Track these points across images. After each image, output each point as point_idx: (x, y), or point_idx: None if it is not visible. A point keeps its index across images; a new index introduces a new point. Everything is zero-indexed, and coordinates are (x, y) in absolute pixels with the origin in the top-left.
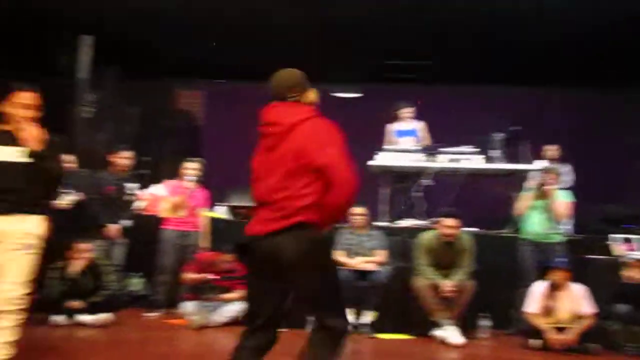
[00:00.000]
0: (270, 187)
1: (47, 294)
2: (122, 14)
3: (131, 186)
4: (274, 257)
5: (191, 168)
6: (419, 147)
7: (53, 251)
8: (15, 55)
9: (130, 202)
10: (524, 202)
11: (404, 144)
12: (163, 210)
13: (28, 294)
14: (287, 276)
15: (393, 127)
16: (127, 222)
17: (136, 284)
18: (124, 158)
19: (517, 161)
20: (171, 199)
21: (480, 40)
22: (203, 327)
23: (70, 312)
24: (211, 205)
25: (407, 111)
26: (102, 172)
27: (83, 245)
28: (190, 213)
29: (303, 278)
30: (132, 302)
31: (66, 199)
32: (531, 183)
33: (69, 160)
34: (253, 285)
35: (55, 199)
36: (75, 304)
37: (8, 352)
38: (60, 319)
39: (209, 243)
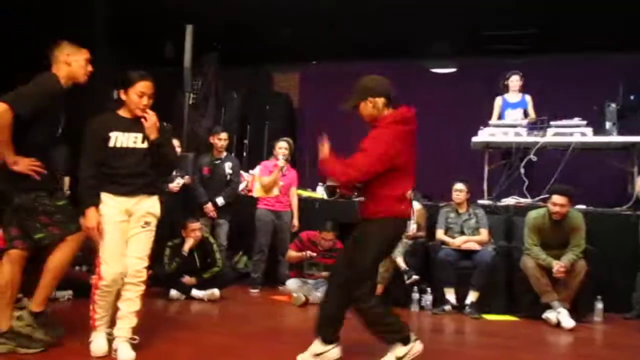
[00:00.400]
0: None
1: (164, 269)
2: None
3: (227, 166)
4: None
5: (281, 147)
6: (525, 122)
7: (168, 230)
8: (124, 46)
9: (227, 182)
10: None
11: (512, 117)
12: (256, 190)
13: (147, 268)
14: None
15: (502, 99)
16: (221, 201)
17: (241, 262)
18: (221, 139)
19: (634, 133)
20: (264, 178)
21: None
22: (306, 304)
23: (184, 287)
24: (310, 186)
25: (516, 80)
26: (203, 155)
27: (194, 224)
28: (283, 192)
29: None
30: (239, 280)
31: (176, 182)
32: None
33: (176, 145)
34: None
35: (168, 182)
36: (189, 279)
37: (133, 320)
38: (175, 293)
39: (300, 222)
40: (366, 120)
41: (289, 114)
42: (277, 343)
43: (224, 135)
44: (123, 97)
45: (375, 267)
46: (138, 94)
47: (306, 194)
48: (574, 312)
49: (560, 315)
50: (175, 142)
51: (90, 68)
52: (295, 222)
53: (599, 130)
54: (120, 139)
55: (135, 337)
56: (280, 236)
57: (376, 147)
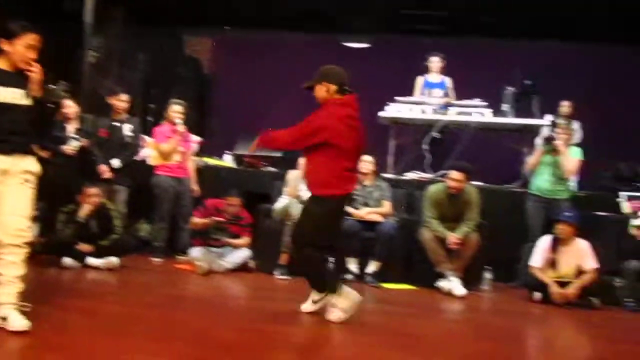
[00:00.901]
0: None
1: (58, 236)
2: None
3: (128, 128)
4: None
5: (176, 111)
6: (436, 101)
7: (63, 195)
8: None
9: (125, 145)
10: (535, 157)
11: (433, 97)
12: (153, 157)
13: (41, 235)
14: None
15: (423, 79)
16: (117, 163)
17: (143, 229)
18: (121, 101)
19: (528, 116)
20: (163, 145)
21: None
22: (210, 273)
23: (80, 255)
24: (217, 154)
25: (436, 61)
26: (102, 118)
27: (91, 190)
28: (182, 159)
29: None
30: (140, 248)
31: (72, 145)
32: (542, 139)
33: (73, 106)
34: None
35: (62, 144)
36: (85, 247)
37: (19, 285)
38: (70, 261)
39: (205, 190)
40: (318, 102)
41: (200, 80)
42: (179, 311)
43: (124, 97)
44: (7, 48)
45: (316, 238)
46: (25, 46)
47: (213, 161)
48: (465, 282)
49: (453, 283)
50: (69, 102)
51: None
52: (195, 187)
53: (497, 112)
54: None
55: (27, 304)
56: (182, 203)
57: (310, 121)
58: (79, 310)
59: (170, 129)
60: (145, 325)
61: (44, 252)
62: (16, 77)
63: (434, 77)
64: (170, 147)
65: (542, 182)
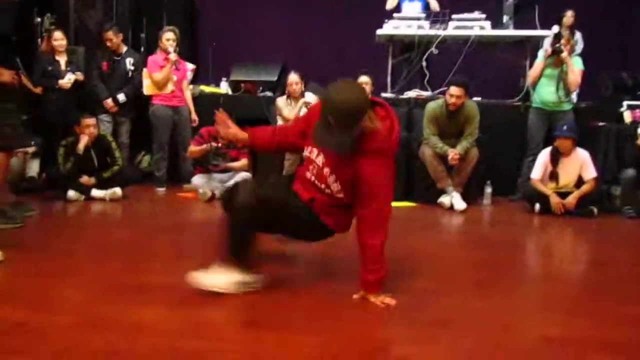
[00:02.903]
0: None
1: (60, 170)
2: None
3: (129, 62)
4: None
5: (169, 39)
6: (426, 14)
7: (60, 129)
8: None
9: (128, 78)
10: (537, 69)
11: (411, 9)
12: (146, 87)
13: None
14: None
15: None
16: (122, 97)
17: (145, 161)
18: (113, 37)
19: (529, 27)
20: (156, 75)
21: None
22: (212, 199)
23: (84, 188)
24: (214, 81)
25: None
26: (100, 50)
27: (87, 120)
28: (177, 87)
29: None
30: (142, 179)
31: (67, 78)
32: (544, 51)
33: (62, 38)
34: None
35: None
36: (87, 179)
37: None
38: (74, 194)
39: (202, 117)
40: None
41: (189, 6)
42: (183, 235)
43: (109, 34)
44: None
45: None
46: None
47: (209, 89)
48: (465, 196)
49: (454, 199)
50: (59, 34)
51: None
52: (194, 116)
53: (496, 24)
54: None
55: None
56: (180, 132)
57: None
58: (85, 239)
59: (163, 57)
60: (152, 249)
61: (48, 187)
62: None
63: None
64: (163, 76)
65: (546, 94)
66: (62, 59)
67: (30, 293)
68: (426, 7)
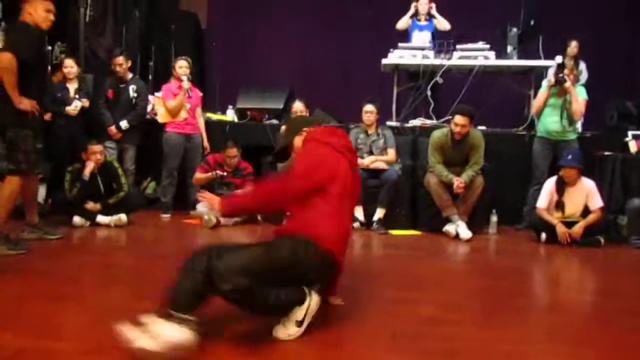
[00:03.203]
0: None
1: (66, 196)
2: None
3: (132, 89)
4: None
5: (182, 67)
6: (432, 44)
7: (68, 155)
8: None
9: (132, 105)
10: (541, 99)
11: (420, 39)
12: (161, 115)
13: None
14: None
15: (411, 21)
16: (125, 124)
17: (150, 187)
18: (122, 64)
19: (533, 58)
20: (170, 102)
21: None
22: (217, 226)
23: (89, 214)
24: (220, 109)
25: (424, 2)
26: (107, 78)
27: (94, 147)
28: (190, 114)
29: None
30: (148, 205)
31: (74, 105)
32: (547, 80)
33: (73, 66)
34: None
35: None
36: (92, 205)
37: None
38: (79, 220)
39: (209, 143)
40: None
41: (197, 35)
42: None
43: (120, 59)
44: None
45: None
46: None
47: (216, 116)
48: (471, 225)
49: (459, 227)
50: (70, 62)
51: (52, 17)
52: (206, 143)
53: (500, 54)
54: None
55: None
56: (190, 159)
57: None
58: (90, 264)
59: (177, 85)
60: (157, 275)
61: (53, 212)
62: None
63: (422, 18)
64: (177, 104)
65: (550, 124)
66: (72, 86)
67: (32, 318)
68: (434, 32)
